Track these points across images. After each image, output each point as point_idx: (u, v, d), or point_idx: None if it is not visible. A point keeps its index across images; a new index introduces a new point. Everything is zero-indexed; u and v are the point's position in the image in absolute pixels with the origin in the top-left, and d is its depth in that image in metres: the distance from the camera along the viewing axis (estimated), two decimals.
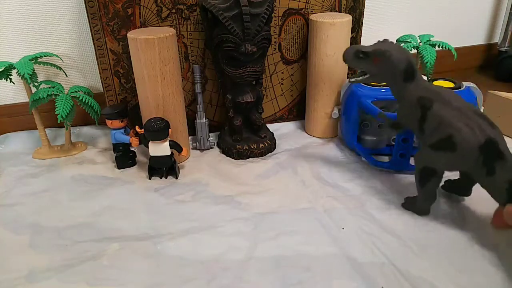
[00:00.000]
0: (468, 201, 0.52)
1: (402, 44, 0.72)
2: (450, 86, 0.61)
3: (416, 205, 0.49)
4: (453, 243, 0.46)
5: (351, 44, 0.70)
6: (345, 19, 0.65)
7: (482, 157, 0.40)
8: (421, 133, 0.45)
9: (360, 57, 0.47)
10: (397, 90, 0.47)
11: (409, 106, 0.46)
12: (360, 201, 0.53)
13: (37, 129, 0.68)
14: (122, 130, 0.62)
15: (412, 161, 0.60)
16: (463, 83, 0.62)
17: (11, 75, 0.66)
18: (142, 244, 0.47)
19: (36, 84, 0.65)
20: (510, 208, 0.39)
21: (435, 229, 0.48)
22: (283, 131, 0.75)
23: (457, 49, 0.74)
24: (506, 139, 0.69)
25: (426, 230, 0.48)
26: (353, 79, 0.50)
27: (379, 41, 0.47)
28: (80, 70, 0.76)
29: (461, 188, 0.51)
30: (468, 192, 0.50)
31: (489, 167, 0.40)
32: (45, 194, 0.57)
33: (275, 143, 0.69)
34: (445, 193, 0.53)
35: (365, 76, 0.49)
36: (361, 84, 0.64)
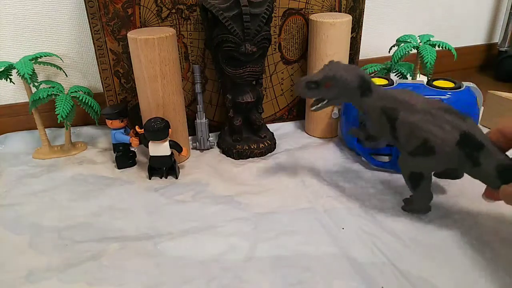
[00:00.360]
0: (468, 201, 0.52)
1: (402, 44, 0.72)
2: (450, 86, 0.61)
3: (414, 205, 0.49)
4: (454, 243, 0.46)
5: (351, 44, 0.70)
6: (345, 19, 0.65)
7: (463, 152, 0.40)
8: (397, 141, 0.45)
9: (312, 87, 0.46)
10: (360, 106, 0.47)
11: (376, 118, 0.45)
12: (360, 201, 0.53)
13: (37, 129, 0.68)
14: (122, 130, 0.62)
15: None
16: (463, 83, 0.62)
17: (11, 75, 0.66)
18: (142, 244, 0.47)
19: (36, 84, 0.65)
20: (505, 188, 0.38)
21: (435, 229, 0.48)
22: (283, 131, 0.75)
23: (457, 49, 0.74)
24: None
25: (426, 230, 0.48)
26: (313, 108, 0.49)
27: (325, 65, 0.46)
28: (80, 70, 0.76)
29: (452, 171, 0.50)
30: (460, 175, 0.50)
31: (473, 159, 0.40)
32: (45, 194, 0.57)
33: (275, 143, 0.69)
34: (444, 191, 0.53)
35: (324, 102, 0.48)
36: None
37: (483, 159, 0.39)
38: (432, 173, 0.45)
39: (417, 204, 0.48)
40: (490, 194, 0.41)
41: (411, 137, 0.42)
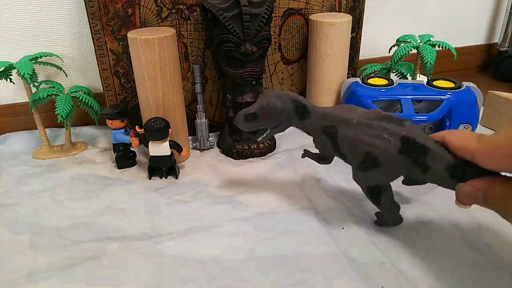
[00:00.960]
0: None
1: (402, 44, 0.72)
2: (450, 86, 0.61)
3: (385, 219, 0.47)
4: (454, 243, 0.46)
5: (351, 44, 0.70)
6: (345, 19, 0.65)
7: (410, 158, 0.38)
8: (344, 158, 0.44)
9: (251, 120, 0.46)
10: (302, 128, 0.46)
11: (319, 138, 0.45)
12: (360, 201, 0.53)
13: (37, 129, 0.68)
14: (122, 130, 0.62)
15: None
16: (463, 83, 0.62)
17: (11, 75, 0.66)
18: (142, 244, 0.47)
19: (36, 84, 0.65)
20: (462, 187, 0.35)
21: (435, 229, 0.48)
22: None
23: (457, 49, 0.74)
24: None
25: (426, 230, 0.48)
26: (259, 139, 0.49)
27: (260, 95, 0.47)
28: (80, 70, 0.76)
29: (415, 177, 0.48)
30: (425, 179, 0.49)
31: (420, 164, 0.38)
32: (45, 194, 0.57)
33: (275, 143, 0.69)
34: (444, 190, 0.53)
35: (268, 132, 0.48)
36: (361, 84, 0.64)
37: (430, 162, 0.37)
38: (390, 183, 0.43)
39: (387, 217, 0.46)
40: (462, 202, 0.38)
41: (354, 152, 0.41)
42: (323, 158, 0.50)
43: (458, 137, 0.35)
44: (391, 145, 0.38)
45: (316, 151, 0.50)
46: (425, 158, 0.37)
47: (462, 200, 0.35)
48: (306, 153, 0.52)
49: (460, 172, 0.35)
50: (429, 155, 0.37)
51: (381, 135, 0.39)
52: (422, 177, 0.39)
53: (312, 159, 0.51)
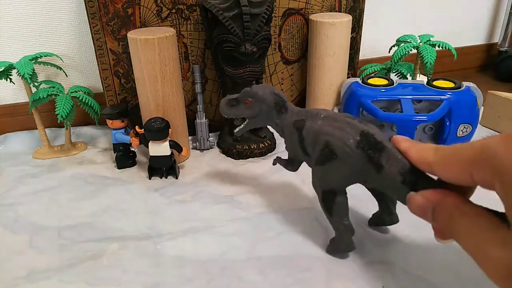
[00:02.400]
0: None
1: (402, 44, 0.72)
2: (450, 86, 0.61)
3: (336, 242, 0.44)
4: (454, 243, 0.45)
5: (351, 44, 0.70)
6: (345, 19, 0.65)
7: (365, 154, 0.37)
8: (307, 155, 0.44)
9: (233, 105, 0.48)
10: (276, 125, 0.47)
11: (289, 135, 0.45)
12: (360, 201, 0.53)
13: (37, 129, 0.68)
14: (122, 130, 0.62)
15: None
16: (463, 83, 0.62)
17: (11, 75, 0.66)
18: (142, 244, 0.47)
19: (36, 84, 0.65)
20: (413, 196, 0.32)
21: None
22: None
23: (457, 49, 0.74)
24: None
25: (427, 230, 0.47)
26: (236, 130, 0.51)
27: (245, 88, 0.48)
28: (80, 70, 0.77)
29: (384, 214, 0.47)
30: (394, 218, 0.46)
31: (375, 163, 0.36)
32: (45, 194, 0.57)
33: (275, 143, 0.69)
34: None
35: (245, 123, 0.49)
36: (361, 84, 0.64)
37: (385, 161, 0.36)
38: (345, 194, 0.42)
39: (337, 239, 0.44)
40: (439, 233, 0.33)
41: (315, 143, 0.41)
42: (290, 163, 0.50)
43: (417, 149, 0.33)
44: (350, 137, 0.38)
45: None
46: (380, 156, 0.36)
47: (415, 211, 0.32)
48: (277, 160, 0.52)
49: (413, 179, 0.34)
50: (384, 153, 0.36)
51: (342, 127, 0.39)
52: (375, 178, 0.37)
53: (281, 165, 0.51)
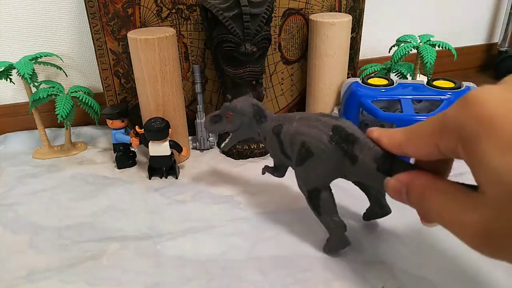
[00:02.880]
0: None
1: (402, 44, 0.72)
2: (450, 86, 0.61)
3: (329, 241, 0.44)
4: (455, 242, 0.45)
5: (351, 44, 0.70)
6: (345, 19, 0.65)
7: (339, 148, 0.37)
8: (288, 159, 0.44)
9: (216, 121, 0.50)
10: (258, 134, 0.48)
11: (270, 141, 0.46)
12: (360, 200, 0.53)
13: (37, 129, 0.68)
14: (122, 130, 0.62)
15: (412, 160, 0.60)
16: (463, 83, 0.62)
17: (11, 75, 0.66)
18: (142, 244, 0.47)
19: (36, 84, 0.65)
20: (389, 181, 0.32)
21: (436, 229, 0.47)
22: None
23: (457, 49, 0.73)
24: None
25: (427, 230, 0.48)
26: (222, 145, 0.52)
27: (225, 103, 0.50)
28: (80, 70, 0.77)
29: (375, 207, 0.47)
30: (385, 210, 0.46)
31: (349, 155, 0.37)
32: (45, 194, 0.57)
33: None
34: None
35: (230, 137, 0.51)
36: (361, 84, 0.64)
37: (358, 152, 0.36)
38: (329, 190, 0.42)
39: (330, 237, 0.44)
40: (424, 217, 0.32)
41: (293, 145, 0.42)
42: (276, 169, 0.51)
43: (388, 134, 0.34)
44: (322, 134, 0.38)
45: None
46: (353, 147, 0.37)
47: (392, 195, 0.32)
48: (265, 168, 0.53)
49: (388, 165, 0.34)
50: (357, 144, 0.36)
51: (315, 125, 0.39)
52: (352, 170, 0.38)
53: (269, 172, 0.52)
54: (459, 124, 0.24)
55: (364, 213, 0.49)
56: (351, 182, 0.44)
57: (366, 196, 0.47)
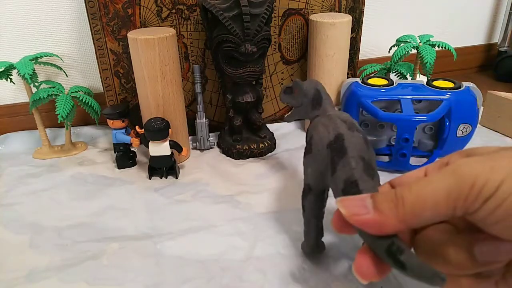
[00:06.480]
0: None
1: (402, 44, 0.72)
2: (450, 86, 0.61)
3: (303, 242, 0.44)
4: None
5: (351, 44, 0.70)
6: (345, 19, 0.65)
7: (330, 154, 0.36)
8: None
9: (286, 93, 0.51)
10: (309, 118, 0.46)
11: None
12: None
13: (37, 129, 0.68)
14: (123, 130, 0.62)
15: (412, 160, 0.60)
16: (463, 83, 0.62)
17: (11, 75, 0.66)
18: (142, 244, 0.47)
19: (36, 84, 0.65)
20: (343, 198, 0.28)
21: None
22: (283, 131, 0.75)
23: (457, 49, 0.74)
24: (506, 139, 0.69)
25: None
26: (286, 116, 0.53)
27: (297, 79, 0.49)
28: (80, 70, 0.77)
29: None
30: None
31: (333, 165, 0.36)
32: (45, 194, 0.57)
33: (275, 143, 0.69)
34: None
35: (292, 111, 0.51)
36: (361, 84, 0.64)
37: (340, 167, 0.35)
38: (320, 195, 0.41)
39: (304, 237, 0.44)
40: (337, 223, 0.30)
41: (307, 137, 0.42)
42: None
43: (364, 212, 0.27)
44: (327, 136, 0.38)
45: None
46: (339, 160, 0.35)
47: (347, 213, 0.27)
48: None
49: (351, 189, 0.32)
50: (343, 159, 0.35)
51: (327, 125, 0.39)
52: (329, 181, 0.36)
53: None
54: (496, 186, 0.22)
55: None
56: None
57: None
